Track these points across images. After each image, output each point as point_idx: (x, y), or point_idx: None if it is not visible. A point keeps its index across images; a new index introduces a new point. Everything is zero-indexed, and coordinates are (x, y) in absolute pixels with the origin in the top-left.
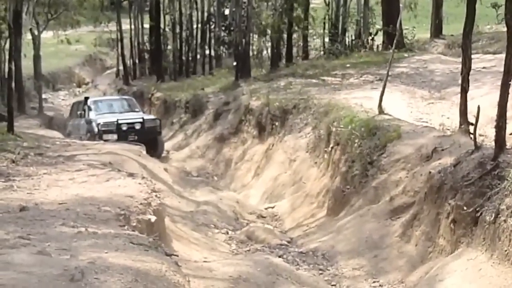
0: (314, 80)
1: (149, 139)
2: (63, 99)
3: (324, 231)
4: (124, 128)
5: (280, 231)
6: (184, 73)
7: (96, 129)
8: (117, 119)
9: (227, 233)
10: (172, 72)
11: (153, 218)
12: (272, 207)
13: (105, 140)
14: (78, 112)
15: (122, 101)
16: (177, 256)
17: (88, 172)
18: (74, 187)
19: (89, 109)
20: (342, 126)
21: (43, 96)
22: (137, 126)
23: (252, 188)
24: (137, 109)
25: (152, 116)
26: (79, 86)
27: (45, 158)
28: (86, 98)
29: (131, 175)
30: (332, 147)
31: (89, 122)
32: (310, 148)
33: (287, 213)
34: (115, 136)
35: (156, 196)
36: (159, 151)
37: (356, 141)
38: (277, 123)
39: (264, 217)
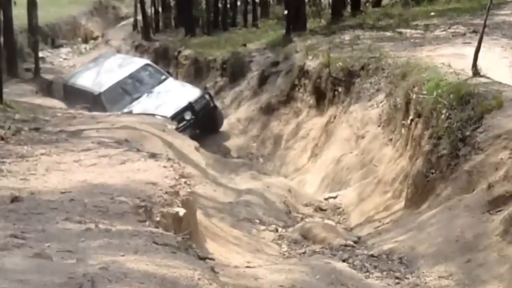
0: (388, 33)
1: (207, 121)
2: (65, 58)
3: (402, 228)
4: (187, 116)
5: (344, 228)
6: (221, 25)
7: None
8: (186, 105)
9: (276, 230)
10: (205, 24)
11: (181, 212)
12: (334, 197)
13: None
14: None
15: (141, 74)
16: (213, 260)
17: (99, 152)
18: (81, 171)
19: (102, 103)
20: (425, 92)
21: (40, 54)
22: (187, 116)
23: (308, 173)
24: (164, 77)
25: (197, 92)
26: (86, 42)
27: (43, 135)
28: (99, 94)
29: (153, 156)
30: (411, 120)
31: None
32: (383, 121)
33: (354, 205)
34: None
35: (185, 183)
36: (218, 125)
37: (444, 111)
38: (340, 89)
39: (324, 210)
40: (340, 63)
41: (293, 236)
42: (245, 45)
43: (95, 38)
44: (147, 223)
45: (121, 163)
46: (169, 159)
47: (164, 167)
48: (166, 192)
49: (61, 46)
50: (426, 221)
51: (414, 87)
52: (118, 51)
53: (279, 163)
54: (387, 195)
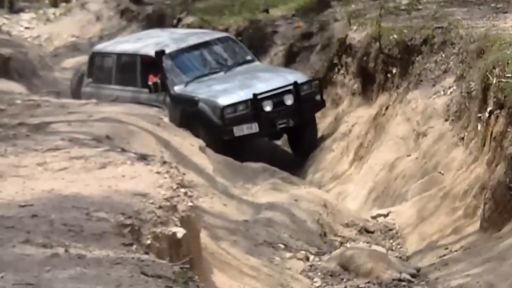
0: None
1: (311, 110)
2: (27, 27)
3: (476, 257)
4: (268, 107)
5: (398, 256)
6: None
7: (215, 117)
8: (253, 93)
9: (307, 258)
10: None
11: (180, 233)
12: (385, 215)
13: (239, 136)
14: (150, 83)
15: (218, 47)
16: None
17: (70, 153)
18: (46, 178)
19: (169, 72)
20: (509, 75)
21: None
22: (289, 101)
23: (350, 182)
24: (250, 57)
25: (298, 74)
26: (55, 5)
27: None
28: (159, 53)
29: (143, 158)
30: (491, 112)
31: (185, 101)
32: (452, 113)
33: (412, 226)
34: (254, 126)
35: (186, 194)
36: (312, 142)
37: None
38: (394, 71)
39: (372, 232)
40: (395, 36)
41: (330, 266)
42: (267, 10)
43: (67, 1)
44: (134, 247)
45: (100, 167)
46: (164, 162)
47: (158, 173)
48: (160, 207)
49: (21, 10)
50: (509, 249)
51: (494, 68)
52: (98, 18)
53: (311, 168)
54: (456, 213)
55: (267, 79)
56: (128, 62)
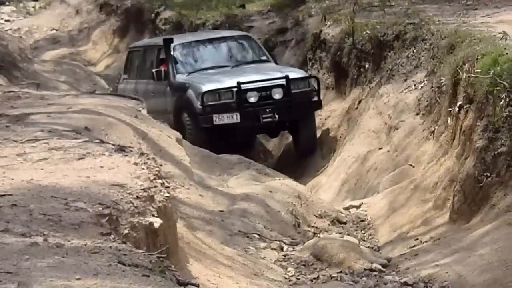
0: None
1: (299, 119)
2: (7, 20)
3: (446, 248)
4: (253, 98)
5: (370, 247)
6: None
7: (197, 104)
8: (238, 82)
9: (281, 248)
10: None
11: (157, 222)
12: (357, 207)
13: (219, 125)
14: (153, 70)
15: (233, 44)
16: (197, 286)
17: (50, 144)
18: (25, 168)
19: (176, 61)
20: (478, 70)
21: None
22: (276, 94)
23: (323, 174)
24: (265, 57)
25: (299, 72)
26: None
27: None
28: (168, 40)
29: (121, 149)
30: (460, 107)
31: (180, 88)
32: (422, 107)
33: (383, 217)
34: (235, 116)
35: (163, 185)
36: (309, 142)
37: (503, 96)
38: (367, 65)
39: (344, 223)
40: (368, 31)
41: (303, 256)
42: (243, 5)
43: None
44: (112, 237)
45: (79, 158)
46: (142, 154)
47: (135, 164)
48: (138, 197)
49: (2, 3)
50: (478, 240)
51: (464, 63)
52: (77, 11)
53: (285, 161)
54: (426, 205)
55: (263, 73)
56: (148, 54)
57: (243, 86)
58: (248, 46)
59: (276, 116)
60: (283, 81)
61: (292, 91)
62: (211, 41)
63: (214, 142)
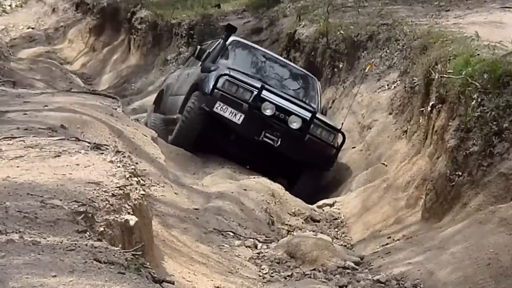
0: None
1: (308, 158)
2: None
3: (418, 246)
4: (268, 111)
5: (343, 244)
6: None
7: (210, 84)
8: (262, 85)
9: (255, 246)
10: None
11: (132, 220)
12: (331, 205)
13: (218, 115)
14: (198, 46)
15: (292, 73)
16: (172, 283)
17: (25, 142)
18: (2, 166)
19: (225, 51)
20: (450, 71)
21: None
22: (294, 124)
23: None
24: (313, 104)
25: (332, 120)
26: None
27: None
28: (229, 29)
29: (97, 147)
30: (433, 107)
31: (207, 69)
32: (395, 107)
33: (356, 215)
34: (238, 116)
35: (138, 183)
36: (307, 189)
37: (475, 96)
38: (341, 65)
39: (317, 221)
40: (342, 32)
41: (277, 254)
42: (219, 5)
43: None
44: (87, 234)
45: (54, 156)
46: (117, 152)
47: (111, 162)
48: (113, 195)
49: None
50: (449, 238)
51: (436, 64)
52: (54, 10)
53: None
54: (399, 203)
55: (296, 98)
56: (210, 47)
57: (264, 92)
58: (305, 84)
59: (278, 143)
60: (307, 115)
61: (310, 131)
62: (272, 58)
63: (202, 137)
